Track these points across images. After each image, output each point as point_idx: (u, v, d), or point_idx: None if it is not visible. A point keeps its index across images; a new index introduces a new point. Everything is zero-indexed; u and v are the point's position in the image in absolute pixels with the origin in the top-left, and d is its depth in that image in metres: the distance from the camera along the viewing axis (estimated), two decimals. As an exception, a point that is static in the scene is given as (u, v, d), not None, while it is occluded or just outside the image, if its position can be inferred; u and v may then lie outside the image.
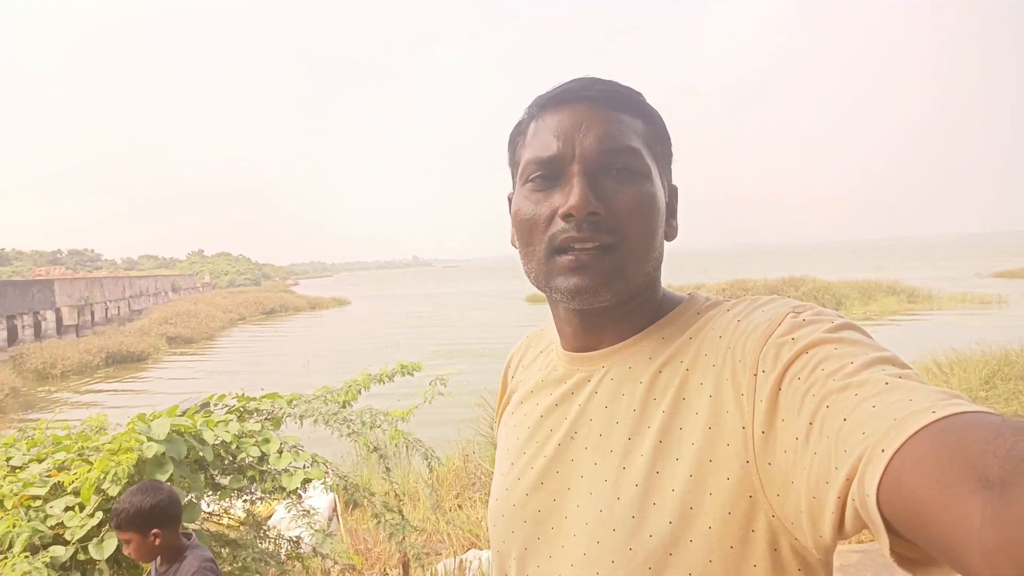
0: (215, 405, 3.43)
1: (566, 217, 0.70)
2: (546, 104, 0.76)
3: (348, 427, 3.23)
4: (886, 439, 0.46)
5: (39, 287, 27.87)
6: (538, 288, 0.77)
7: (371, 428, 3.28)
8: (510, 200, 0.81)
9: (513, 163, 0.81)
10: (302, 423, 3.41)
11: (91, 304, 32.88)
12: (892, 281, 28.49)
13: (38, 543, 2.54)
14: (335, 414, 3.16)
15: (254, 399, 3.39)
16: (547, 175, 0.73)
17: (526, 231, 0.74)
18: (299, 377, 16.25)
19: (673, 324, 0.75)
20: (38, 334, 26.88)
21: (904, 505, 0.43)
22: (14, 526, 2.55)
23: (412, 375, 3.87)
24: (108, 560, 2.64)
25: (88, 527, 2.65)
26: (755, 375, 0.61)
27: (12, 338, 24.66)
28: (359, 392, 3.62)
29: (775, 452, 0.58)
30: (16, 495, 2.71)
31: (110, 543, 2.64)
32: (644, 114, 0.76)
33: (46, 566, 2.40)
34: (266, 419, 3.33)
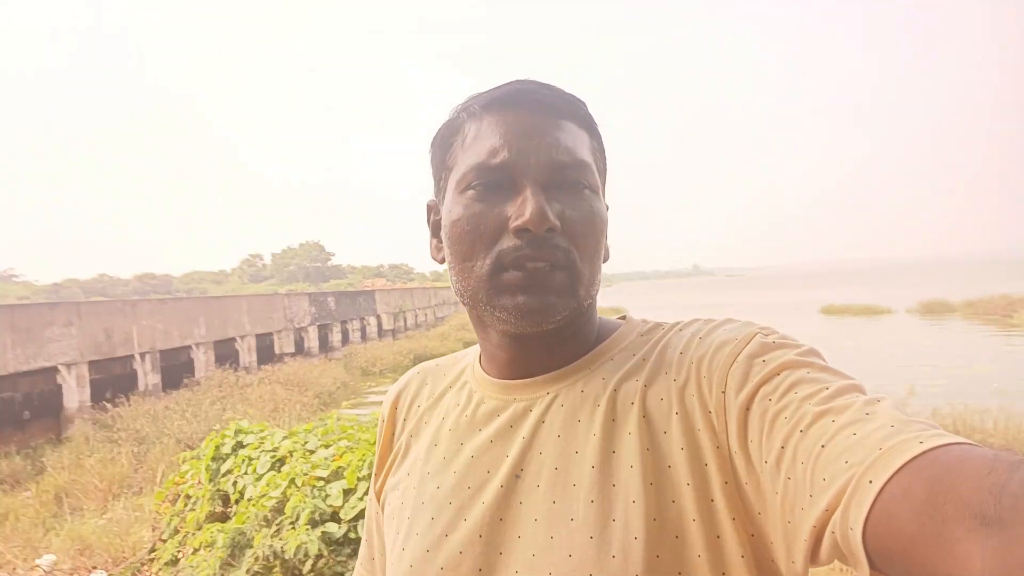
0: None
1: (520, 232, 0.64)
2: (489, 105, 0.68)
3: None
4: (872, 470, 0.44)
5: (364, 296, 32.89)
6: (474, 309, 0.70)
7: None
8: (430, 209, 0.76)
9: (443, 166, 0.72)
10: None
11: (404, 312, 37.85)
12: None
13: (318, 518, 2.95)
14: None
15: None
16: (493, 184, 0.66)
17: (466, 244, 0.67)
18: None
19: (619, 345, 0.71)
20: (363, 336, 31.66)
21: (894, 542, 0.41)
22: (301, 502, 3.00)
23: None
24: (373, 541, 2.97)
25: (358, 509, 3.02)
26: (723, 392, 0.59)
27: (344, 339, 29.38)
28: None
29: (749, 472, 0.56)
30: (305, 475, 3.19)
31: (374, 526, 2.97)
32: (588, 126, 0.71)
33: (319, 539, 2.78)
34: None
